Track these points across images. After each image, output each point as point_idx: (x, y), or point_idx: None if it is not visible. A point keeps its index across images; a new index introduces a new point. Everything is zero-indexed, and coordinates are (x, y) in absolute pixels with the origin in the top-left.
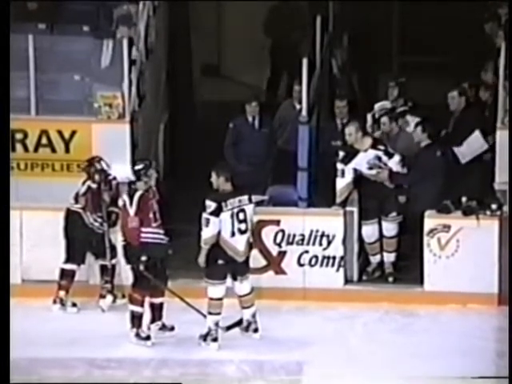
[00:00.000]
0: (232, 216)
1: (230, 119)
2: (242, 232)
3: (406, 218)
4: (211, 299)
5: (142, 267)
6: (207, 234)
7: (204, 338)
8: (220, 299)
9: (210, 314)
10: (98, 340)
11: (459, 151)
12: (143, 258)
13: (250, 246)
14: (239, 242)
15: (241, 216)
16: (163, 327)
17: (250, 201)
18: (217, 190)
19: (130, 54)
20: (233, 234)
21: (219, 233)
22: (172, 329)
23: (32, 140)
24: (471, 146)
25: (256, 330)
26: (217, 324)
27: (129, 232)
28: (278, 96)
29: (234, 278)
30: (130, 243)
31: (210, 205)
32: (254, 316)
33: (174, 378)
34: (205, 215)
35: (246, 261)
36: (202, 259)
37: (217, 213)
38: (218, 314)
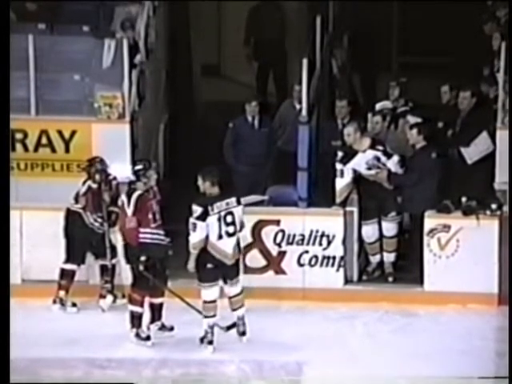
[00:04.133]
0: (219, 219)
1: (230, 119)
2: (229, 235)
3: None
4: (205, 302)
5: (141, 267)
6: (195, 238)
7: (201, 340)
8: (214, 301)
9: (206, 317)
10: (98, 340)
11: (466, 152)
12: (142, 258)
13: (239, 249)
14: (227, 245)
15: (228, 219)
16: (163, 327)
17: (239, 203)
18: (204, 193)
19: (132, 55)
20: (220, 237)
21: (207, 237)
22: (171, 329)
23: (32, 140)
24: (478, 147)
25: (243, 333)
26: (212, 327)
27: (127, 232)
28: (267, 94)
29: (225, 282)
30: (129, 243)
31: (196, 209)
32: (242, 319)
33: (174, 378)
34: (191, 220)
35: (236, 264)
36: (191, 264)
37: (203, 217)
38: (213, 316)
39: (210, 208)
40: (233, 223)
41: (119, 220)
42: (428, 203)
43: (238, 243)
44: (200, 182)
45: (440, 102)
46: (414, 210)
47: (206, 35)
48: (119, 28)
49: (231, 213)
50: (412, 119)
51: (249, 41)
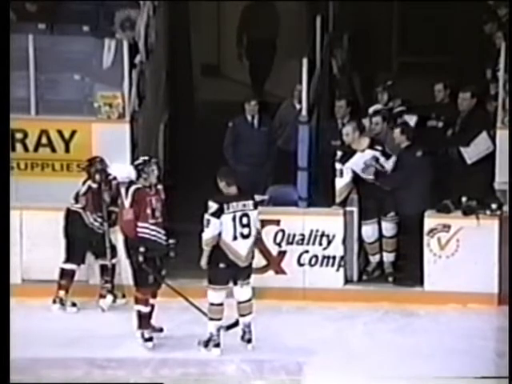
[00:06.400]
0: (234, 219)
1: (230, 119)
2: (244, 237)
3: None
4: (212, 304)
5: (141, 258)
6: (207, 234)
7: (206, 343)
8: (221, 305)
9: (212, 319)
10: (98, 340)
11: (466, 152)
12: (141, 249)
13: (253, 252)
14: (241, 247)
15: (244, 221)
16: (152, 328)
17: (256, 207)
18: (222, 192)
19: (132, 56)
20: (235, 238)
21: (220, 235)
22: (161, 330)
23: (32, 140)
24: (478, 147)
25: (249, 341)
26: (218, 329)
27: (124, 225)
28: (263, 93)
29: (235, 283)
30: (128, 236)
31: (212, 206)
32: (248, 326)
33: (174, 378)
34: (206, 216)
35: (249, 266)
36: (203, 261)
37: (218, 214)
38: (220, 319)
39: (225, 206)
40: (248, 225)
41: (118, 214)
42: (417, 202)
43: (252, 246)
44: (218, 181)
45: (440, 102)
46: (404, 209)
47: (206, 35)
48: (119, 28)
49: (247, 215)
50: (409, 119)
51: (241, 40)
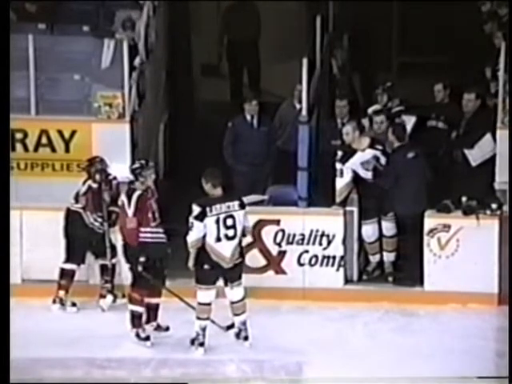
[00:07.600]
0: (217, 222)
1: (230, 119)
2: (229, 238)
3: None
4: (199, 304)
5: (140, 268)
6: (191, 237)
7: (192, 342)
8: (208, 304)
9: (198, 318)
10: (98, 340)
11: (470, 154)
12: (141, 259)
13: (241, 253)
14: (225, 248)
15: (229, 222)
16: (158, 327)
17: (242, 207)
18: (207, 194)
19: (131, 56)
20: (218, 240)
21: (205, 237)
22: (167, 329)
23: (32, 140)
24: (482, 149)
25: (246, 338)
26: (204, 329)
27: (127, 232)
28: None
29: (225, 284)
30: (129, 243)
31: (195, 209)
32: (244, 324)
33: (174, 378)
34: (190, 219)
35: (236, 267)
36: (190, 262)
37: (201, 218)
38: (206, 319)
39: (208, 209)
40: (233, 227)
41: (119, 220)
42: (411, 203)
43: (239, 247)
44: (203, 183)
45: (440, 102)
46: (398, 209)
47: (206, 35)
48: (120, 28)
49: (232, 216)
50: (407, 119)
51: (222, 40)
